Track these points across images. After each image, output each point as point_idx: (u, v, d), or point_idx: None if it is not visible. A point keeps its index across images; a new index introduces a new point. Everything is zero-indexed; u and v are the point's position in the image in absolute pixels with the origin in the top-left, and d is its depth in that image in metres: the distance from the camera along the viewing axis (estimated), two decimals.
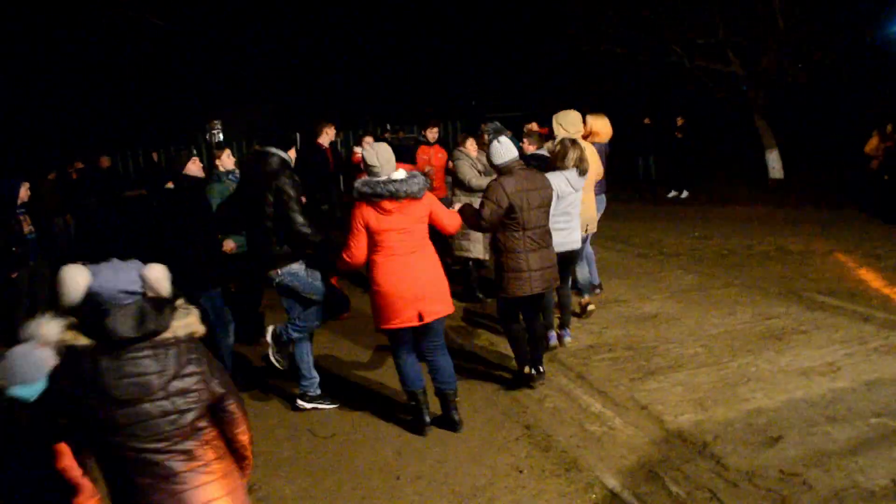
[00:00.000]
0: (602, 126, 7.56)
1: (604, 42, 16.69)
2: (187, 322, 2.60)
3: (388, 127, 21.90)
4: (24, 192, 7.61)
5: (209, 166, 20.74)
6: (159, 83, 19.72)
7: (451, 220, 5.12)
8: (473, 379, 5.94)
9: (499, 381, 5.89)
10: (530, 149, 6.97)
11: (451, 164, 8.77)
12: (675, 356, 6.09)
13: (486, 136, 6.71)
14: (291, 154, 5.51)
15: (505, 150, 5.24)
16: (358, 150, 9.08)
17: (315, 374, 5.64)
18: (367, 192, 4.68)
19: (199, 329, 2.64)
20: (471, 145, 8.24)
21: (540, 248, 5.29)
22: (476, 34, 25.61)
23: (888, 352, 5.86)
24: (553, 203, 5.51)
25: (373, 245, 4.80)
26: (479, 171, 7.93)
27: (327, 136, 8.97)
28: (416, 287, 4.76)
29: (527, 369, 5.58)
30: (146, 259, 2.69)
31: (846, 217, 12.19)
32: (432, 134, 9.84)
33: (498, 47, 24.86)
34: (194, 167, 6.05)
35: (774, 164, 17.21)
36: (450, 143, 24.08)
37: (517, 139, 16.62)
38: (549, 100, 23.03)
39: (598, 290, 7.95)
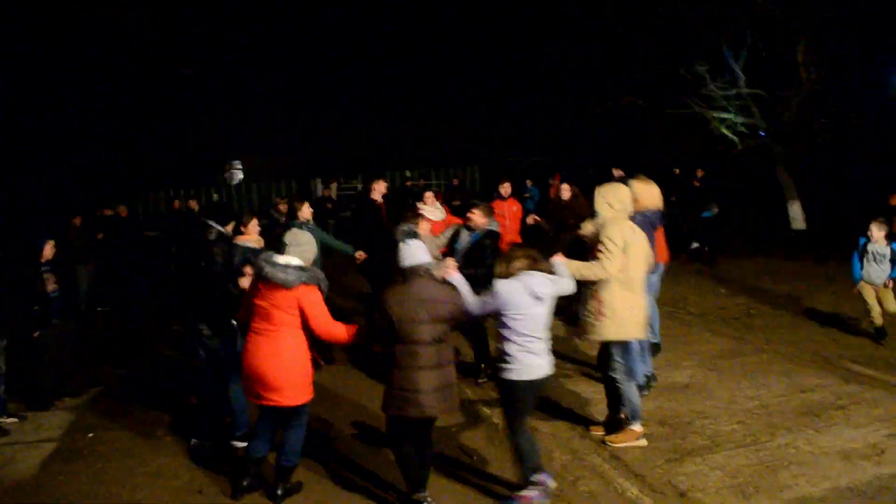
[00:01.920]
0: (644, 192, 6.49)
1: (626, 94, 16.74)
2: None
3: (408, 175, 22.02)
4: (48, 250, 7.57)
5: (230, 205, 20.81)
6: (184, 128, 19.93)
7: (319, 323, 4.89)
8: (505, 455, 5.77)
9: None
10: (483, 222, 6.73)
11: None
12: (710, 434, 5.91)
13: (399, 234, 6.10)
14: (229, 229, 6.53)
15: (410, 253, 4.80)
16: (421, 207, 8.87)
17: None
18: (255, 264, 5.04)
19: None
20: (425, 226, 7.45)
21: (425, 367, 4.62)
22: (502, 80, 25.66)
23: None
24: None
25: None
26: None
27: (378, 192, 8.91)
28: (256, 369, 4.90)
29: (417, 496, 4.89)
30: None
31: None
32: (505, 189, 9.88)
33: (522, 94, 24.88)
34: None
35: (797, 215, 17.13)
36: (466, 189, 24.22)
37: (540, 186, 16.49)
38: (567, 148, 23.24)
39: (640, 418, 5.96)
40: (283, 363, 4.87)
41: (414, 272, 4.76)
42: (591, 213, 5.99)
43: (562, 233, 9.60)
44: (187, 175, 23.85)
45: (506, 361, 4.89)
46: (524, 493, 4.84)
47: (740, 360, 7.80)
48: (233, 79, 23.63)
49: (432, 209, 8.92)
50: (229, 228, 6.62)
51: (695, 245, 15.49)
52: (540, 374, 4.90)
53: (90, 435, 6.74)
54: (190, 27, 19.65)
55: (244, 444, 5.70)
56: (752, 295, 10.86)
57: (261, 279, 4.90)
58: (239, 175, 29.83)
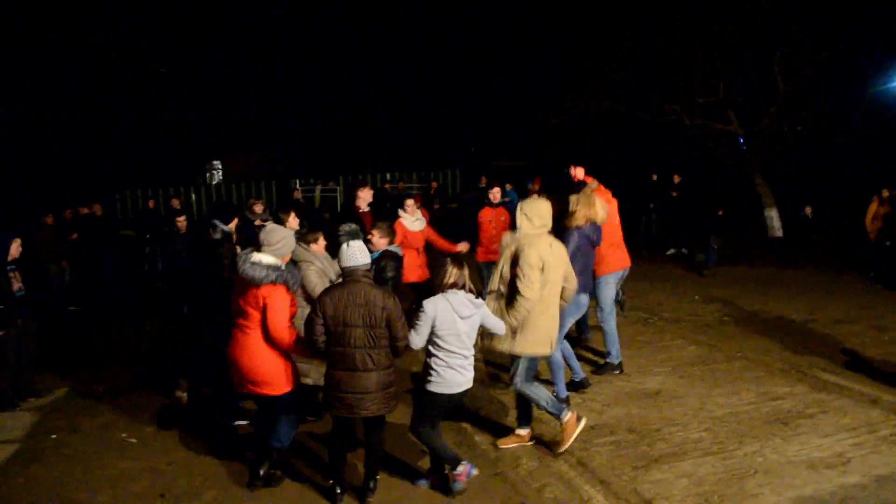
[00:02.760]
0: (583, 207, 6.63)
1: (607, 99, 16.77)
2: None
3: (388, 178, 21.98)
4: (14, 249, 7.43)
5: (208, 207, 20.70)
6: (160, 127, 19.78)
7: (272, 325, 4.98)
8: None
9: (495, 464, 5.67)
10: (382, 243, 6.49)
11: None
12: (678, 441, 5.90)
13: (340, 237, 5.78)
14: (232, 226, 6.75)
15: (351, 254, 4.86)
16: (401, 214, 8.51)
17: None
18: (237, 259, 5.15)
19: None
20: (321, 243, 6.54)
21: (355, 369, 4.76)
22: (480, 84, 25.71)
23: None
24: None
25: None
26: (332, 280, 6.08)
27: (363, 200, 8.54)
28: (235, 362, 5.15)
29: (330, 482, 5.16)
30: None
31: (848, 282, 12.11)
32: (494, 195, 9.62)
33: (501, 97, 24.92)
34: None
35: (774, 222, 17.22)
36: (449, 192, 24.24)
37: (519, 191, 16.57)
38: (551, 151, 23.31)
39: (565, 408, 5.85)
40: (255, 358, 5.07)
41: (352, 274, 4.85)
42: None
43: None
44: (166, 175, 23.71)
45: (429, 374, 5.05)
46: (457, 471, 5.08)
47: (712, 367, 7.81)
48: (212, 79, 23.50)
49: (412, 218, 8.53)
50: (232, 226, 6.93)
51: (671, 251, 15.60)
52: (459, 389, 5.07)
53: (53, 437, 6.62)
54: (169, 25, 19.53)
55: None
56: (726, 302, 10.89)
57: (237, 276, 5.04)
58: (218, 175, 29.72)
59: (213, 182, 27.36)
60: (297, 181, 22.40)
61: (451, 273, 5.06)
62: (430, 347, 5.06)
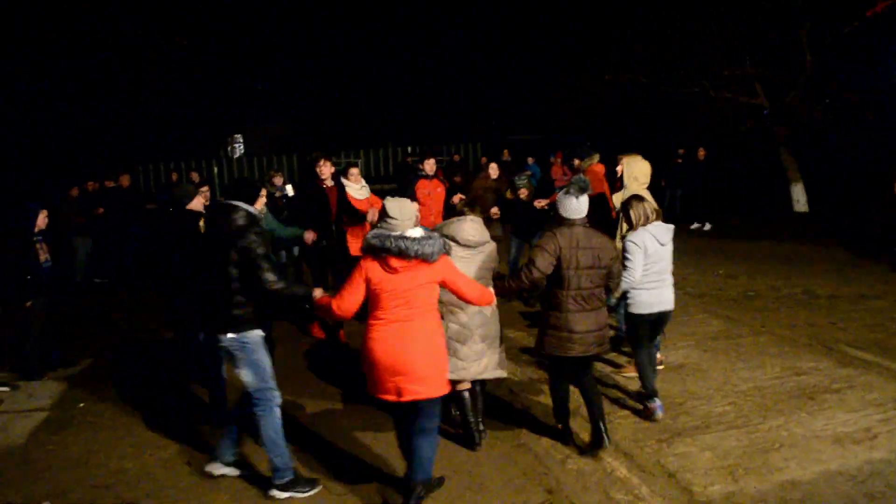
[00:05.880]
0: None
1: (632, 71, 16.55)
2: None
3: (409, 151, 21.84)
4: (41, 220, 7.52)
5: (228, 182, 20.67)
6: (183, 99, 19.78)
7: (472, 290, 4.60)
8: (493, 431, 5.73)
9: (518, 436, 5.67)
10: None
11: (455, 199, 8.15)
12: (702, 414, 5.88)
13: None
14: (258, 206, 5.09)
15: (576, 207, 5.07)
16: (346, 183, 8.40)
17: (288, 454, 4.90)
18: (376, 244, 4.29)
19: None
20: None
21: (584, 310, 5.07)
22: (501, 57, 25.47)
23: None
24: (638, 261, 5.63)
25: (371, 303, 4.41)
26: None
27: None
28: (399, 360, 4.30)
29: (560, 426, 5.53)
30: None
31: (873, 258, 11.93)
32: (428, 165, 9.61)
33: (523, 70, 24.67)
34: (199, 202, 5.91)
35: (799, 197, 17.04)
36: (470, 165, 24.13)
37: (540, 164, 16.43)
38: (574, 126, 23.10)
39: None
40: (430, 349, 4.40)
41: (573, 223, 5.09)
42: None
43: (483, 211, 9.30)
44: (187, 148, 23.79)
45: (627, 299, 5.87)
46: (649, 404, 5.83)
47: (736, 341, 7.75)
48: (233, 51, 23.47)
49: (357, 187, 8.49)
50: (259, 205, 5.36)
51: (695, 225, 15.49)
52: (657, 309, 5.82)
53: (80, 405, 6.73)
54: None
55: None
56: (751, 277, 10.80)
57: (395, 257, 4.27)
58: (240, 148, 29.78)
59: (235, 155, 27.43)
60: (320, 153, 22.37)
61: (640, 210, 5.77)
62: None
